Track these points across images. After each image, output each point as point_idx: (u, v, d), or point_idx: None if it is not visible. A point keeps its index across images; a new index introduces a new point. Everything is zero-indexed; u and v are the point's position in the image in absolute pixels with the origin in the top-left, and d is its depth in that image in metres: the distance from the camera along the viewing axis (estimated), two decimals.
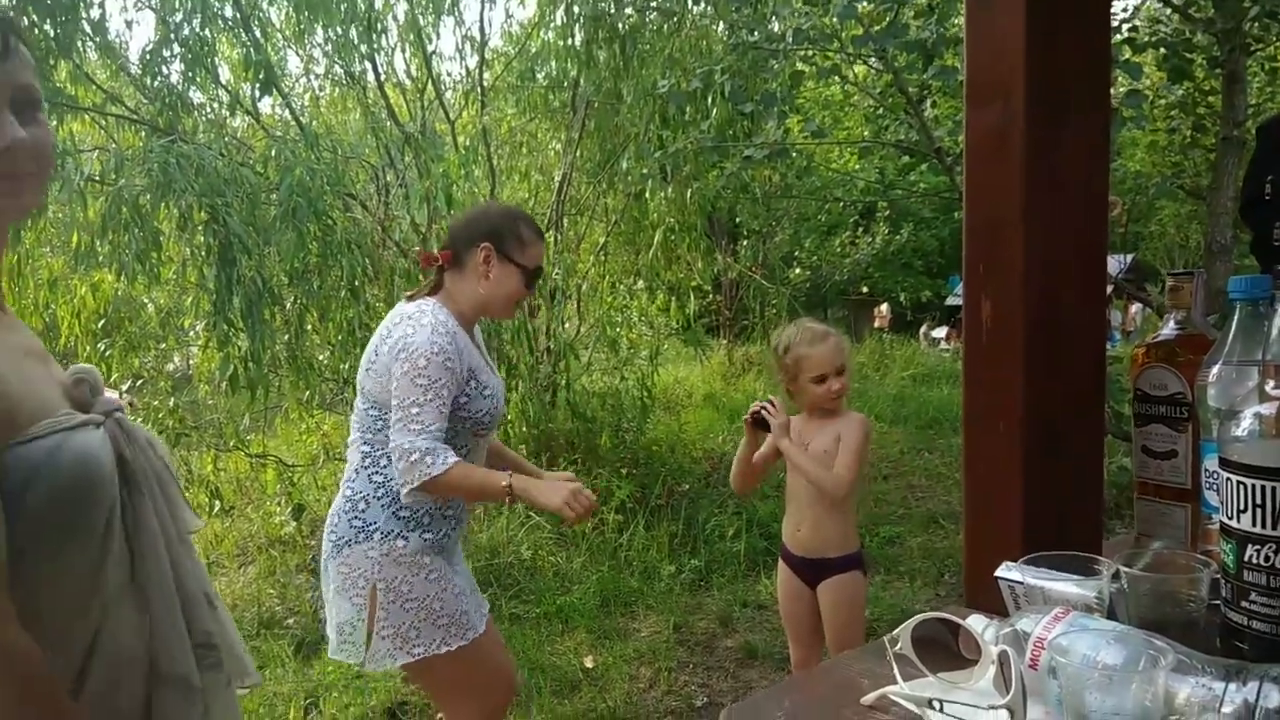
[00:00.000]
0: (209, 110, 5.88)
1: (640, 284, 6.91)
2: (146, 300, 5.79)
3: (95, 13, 5.26)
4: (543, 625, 4.14)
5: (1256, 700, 0.75)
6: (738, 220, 10.84)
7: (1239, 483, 0.91)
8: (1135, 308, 14.04)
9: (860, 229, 14.56)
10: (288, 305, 5.01)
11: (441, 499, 2.12)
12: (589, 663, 3.80)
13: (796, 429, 2.67)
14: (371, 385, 2.12)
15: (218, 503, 5.39)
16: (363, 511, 2.10)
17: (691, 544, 5.02)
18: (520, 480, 2.09)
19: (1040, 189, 1.12)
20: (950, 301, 19.34)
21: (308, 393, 5.38)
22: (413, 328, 2.08)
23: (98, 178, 4.85)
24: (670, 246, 6.54)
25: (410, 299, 2.24)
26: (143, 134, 5.45)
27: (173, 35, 5.22)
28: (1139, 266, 11.83)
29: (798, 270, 13.03)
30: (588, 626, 4.12)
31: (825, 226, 14.12)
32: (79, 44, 5.22)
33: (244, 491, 5.90)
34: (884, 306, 18.96)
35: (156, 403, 5.42)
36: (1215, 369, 1.07)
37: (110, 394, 1.14)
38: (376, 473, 2.12)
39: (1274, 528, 0.89)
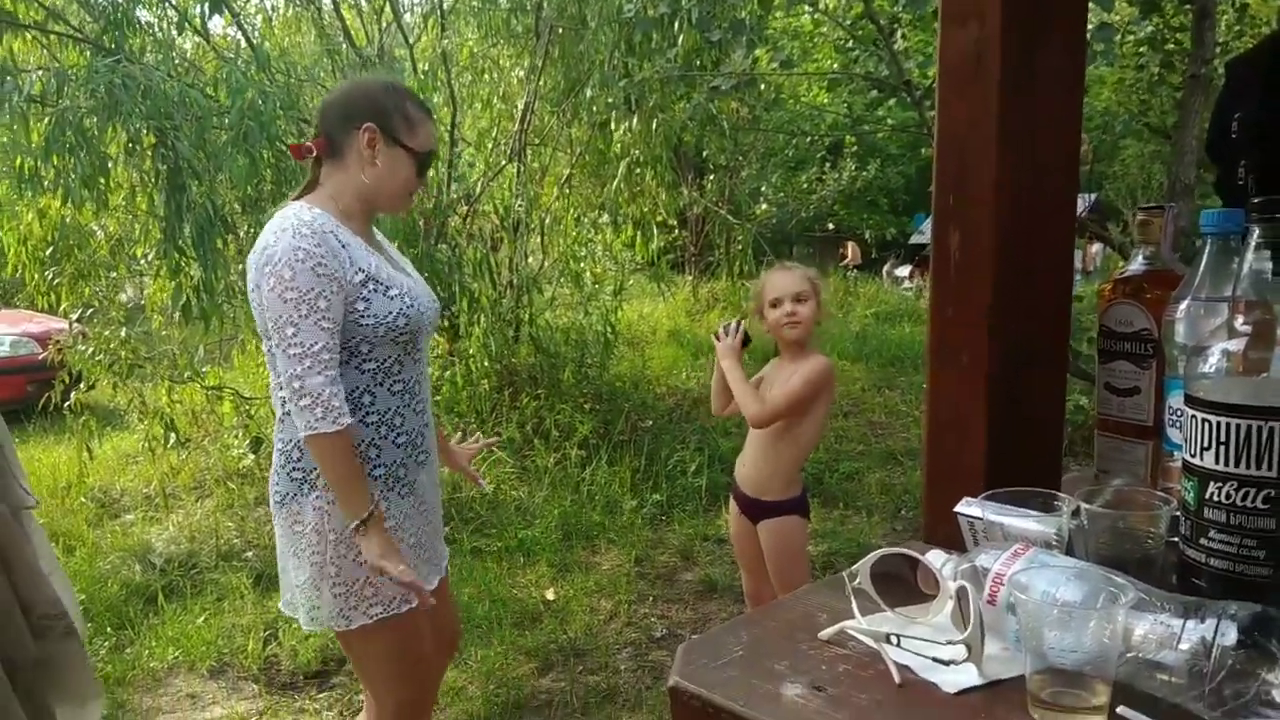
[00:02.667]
0: (157, 30, 5.63)
1: (605, 218, 6.81)
2: (95, 227, 5.60)
3: None
4: (504, 558, 4.16)
5: (1214, 637, 0.75)
6: (704, 154, 10.71)
7: (1204, 420, 0.90)
8: (1096, 247, 14.17)
9: (827, 165, 14.47)
10: (242, 234, 4.87)
11: (384, 423, 1.87)
12: (550, 595, 3.83)
13: (765, 372, 2.68)
14: (260, 318, 1.83)
15: (173, 435, 5.30)
16: (299, 461, 1.84)
17: (653, 479, 5.04)
18: (379, 523, 1.79)
19: (1014, 113, 1.09)
20: (914, 240, 19.37)
21: None
22: (274, 236, 1.77)
23: (40, 99, 4.65)
24: (635, 179, 6.44)
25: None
26: (87, 54, 5.22)
27: None
28: (1101, 206, 11.89)
29: (764, 206, 12.92)
30: (549, 560, 4.14)
31: (792, 162, 14.00)
32: None
33: (200, 424, 5.82)
34: (852, 245, 18.93)
35: (108, 333, 5.28)
36: (1184, 305, 1.06)
37: None
38: None
39: (1237, 465, 0.88)
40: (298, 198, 1.91)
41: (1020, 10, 1.07)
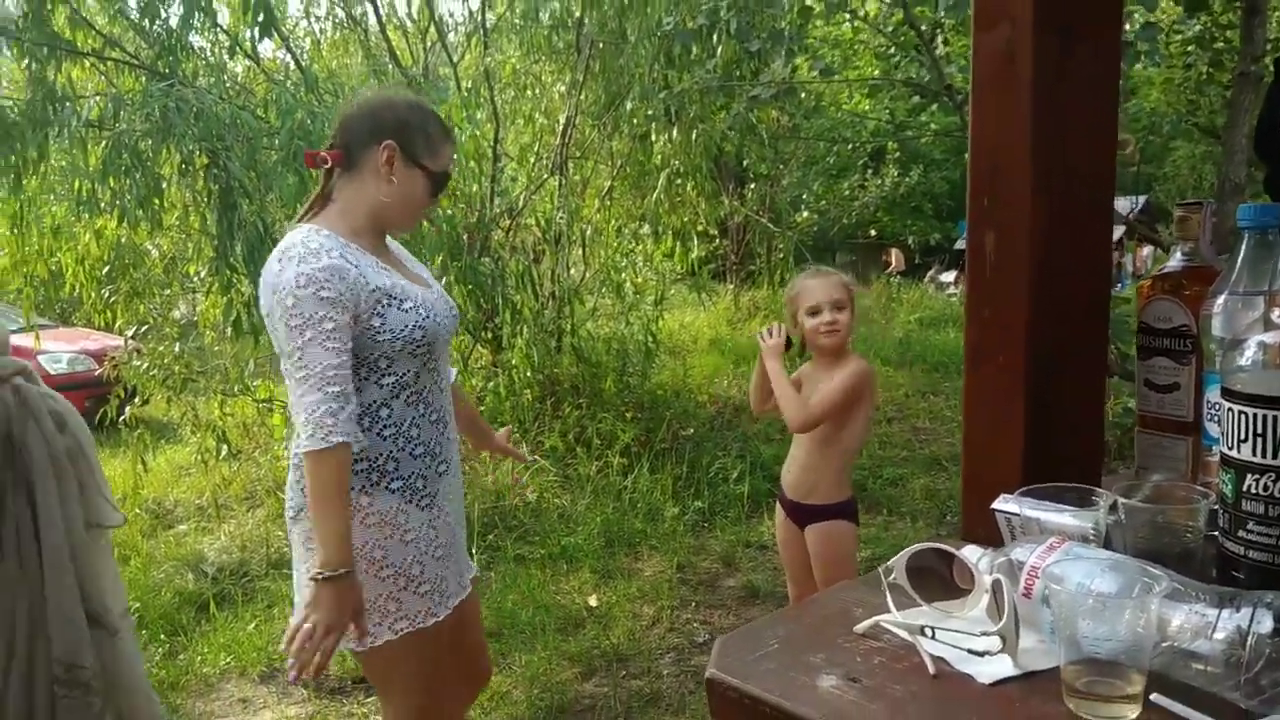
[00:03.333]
0: (209, 54, 5.79)
1: (645, 228, 6.86)
2: (150, 246, 5.77)
3: None
4: (547, 565, 4.19)
5: (1249, 626, 0.75)
6: (745, 164, 10.73)
7: (1240, 412, 0.90)
8: (1147, 250, 13.90)
9: (869, 171, 14.39)
10: None
11: (402, 435, 1.85)
12: (593, 601, 3.85)
13: (802, 375, 2.68)
14: (274, 340, 1.83)
15: (225, 447, 5.42)
16: None
17: (695, 486, 5.05)
18: (350, 582, 1.71)
19: (1047, 116, 1.09)
20: (959, 245, 19.15)
21: None
22: (279, 264, 1.76)
23: (97, 123, 4.81)
24: (675, 190, 6.47)
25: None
26: (142, 79, 5.38)
27: None
28: (1151, 208, 11.69)
29: (805, 214, 12.89)
30: (592, 566, 4.17)
31: (834, 169, 13.95)
32: None
33: (251, 436, 5.94)
34: (895, 251, 18.77)
35: (162, 349, 5.43)
36: (1221, 299, 1.06)
37: (12, 357, 1.00)
38: None
39: (1274, 457, 0.87)
40: (308, 211, 1.91)
41: (1052, 12, 1.08)
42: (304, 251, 1.74)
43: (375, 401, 1.82)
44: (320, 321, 1.71)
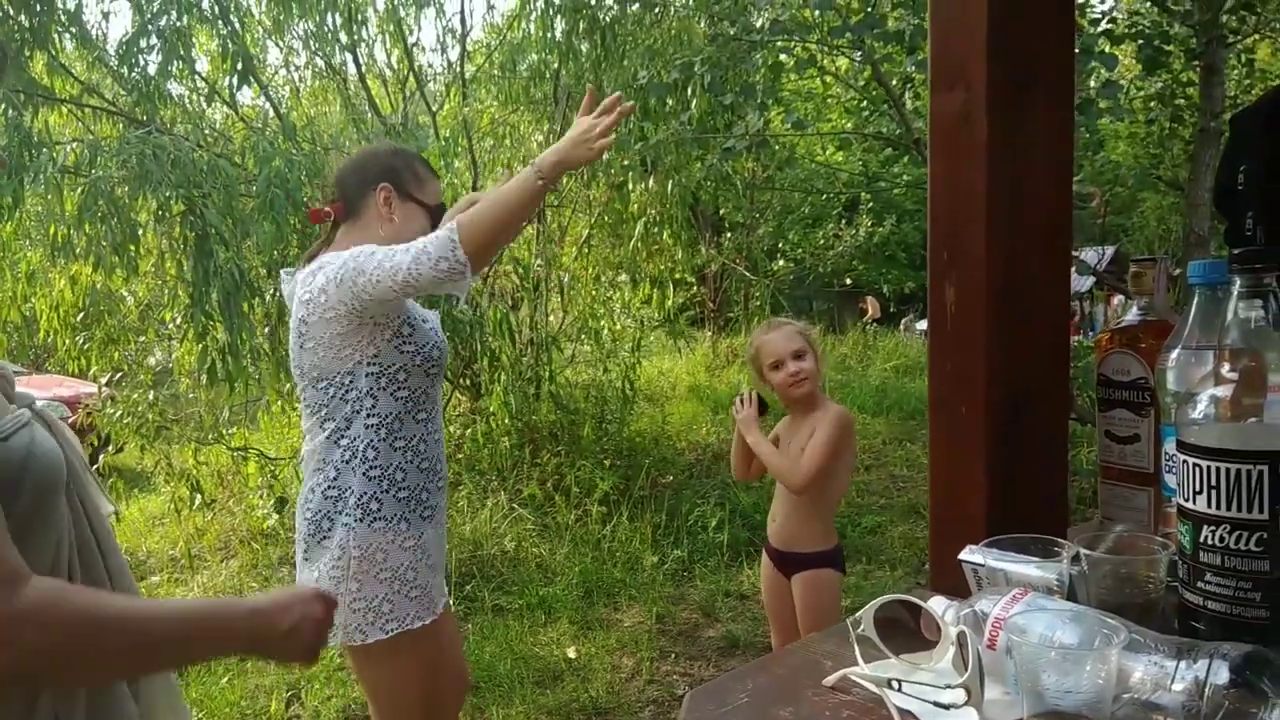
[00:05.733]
0: (187, 102, 5.83)
1: (623, 276, 6.91)
2: (125, 293, 5.74)
3: (71, 3, 5.21)
4: (525, 616, 4.15)
5: (1206, 677, 0.76)
6: (721, 212, 10.85)
7: (1195, 465, 0.93)
8: (1117, 299, 14.12)
9: (844, 221, 14.58)
10: (267, 297, 4.98)
11: (410, 449, 1.96)
12: (571, 653, 3.81)
13: (780, 431, 2.69)
14: (313, 358, 1.92)
15: (199, 496, 5.36)
16: (335, 479, 1.92)
17: (674, 535, 5.03)
18: (548, 158, 1.87)
19: (1002, 172, 1.13)
20: None
21: (289, 385, 5.34)
22: (321, 273, 1.88)
23: (73, 169, 4.81)
24: (652, 238, 6.53)
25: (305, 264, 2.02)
26: (120, 125, 5.40)
27: (150, 26, 5.17)
28: (1120, 258, 11.89)
29: (781, 262, 13.03)
30: (570, 617, 4.13)
31: (809, 219, 14.13)
32: (55, 35, 5.16)
33: (225, 485, 5.87)
34: (871, 299, 18.92)
35: (136, 396, 5.38)
36: (1174, 353, 1.09)
37: (22, 388, 1.12)
38: (342, 437, 1.93)
39: (1229, 509, 0.90)
40: (311, 257, 2.01)
41: (1006, 73, 1.12)
42: (339, 258, 1.87)
43: (391, 414, 1.94)
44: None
